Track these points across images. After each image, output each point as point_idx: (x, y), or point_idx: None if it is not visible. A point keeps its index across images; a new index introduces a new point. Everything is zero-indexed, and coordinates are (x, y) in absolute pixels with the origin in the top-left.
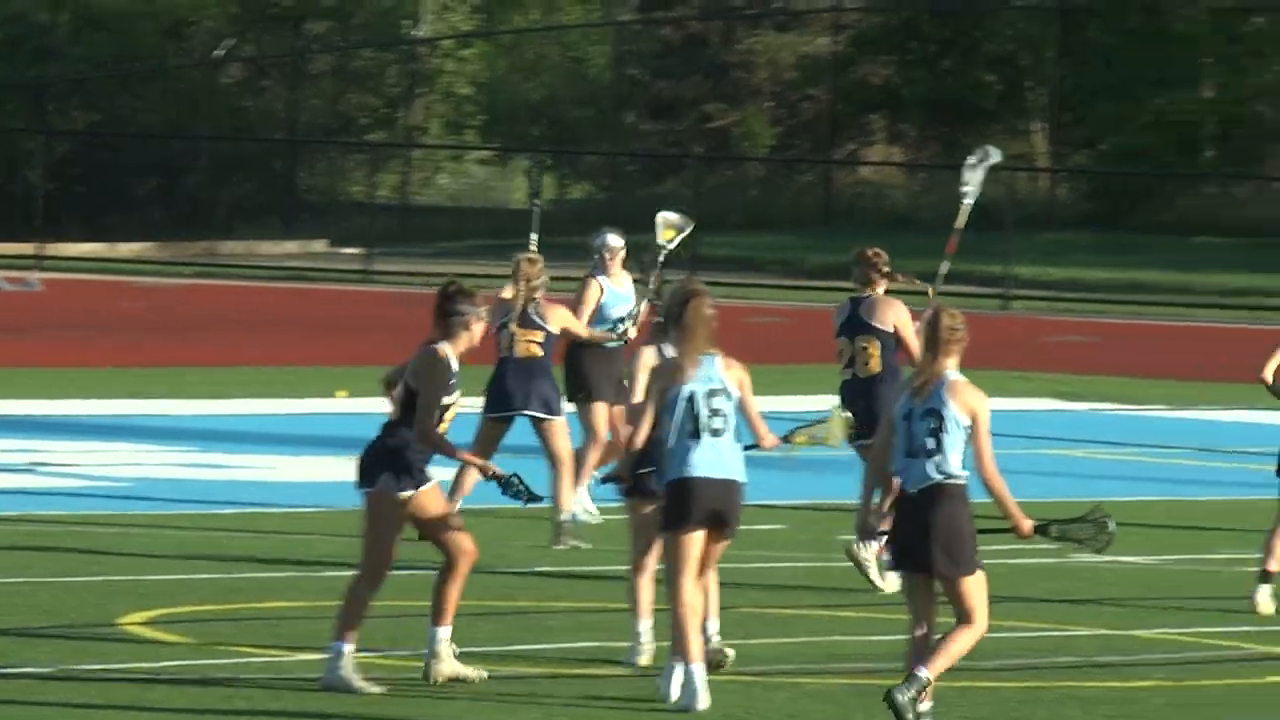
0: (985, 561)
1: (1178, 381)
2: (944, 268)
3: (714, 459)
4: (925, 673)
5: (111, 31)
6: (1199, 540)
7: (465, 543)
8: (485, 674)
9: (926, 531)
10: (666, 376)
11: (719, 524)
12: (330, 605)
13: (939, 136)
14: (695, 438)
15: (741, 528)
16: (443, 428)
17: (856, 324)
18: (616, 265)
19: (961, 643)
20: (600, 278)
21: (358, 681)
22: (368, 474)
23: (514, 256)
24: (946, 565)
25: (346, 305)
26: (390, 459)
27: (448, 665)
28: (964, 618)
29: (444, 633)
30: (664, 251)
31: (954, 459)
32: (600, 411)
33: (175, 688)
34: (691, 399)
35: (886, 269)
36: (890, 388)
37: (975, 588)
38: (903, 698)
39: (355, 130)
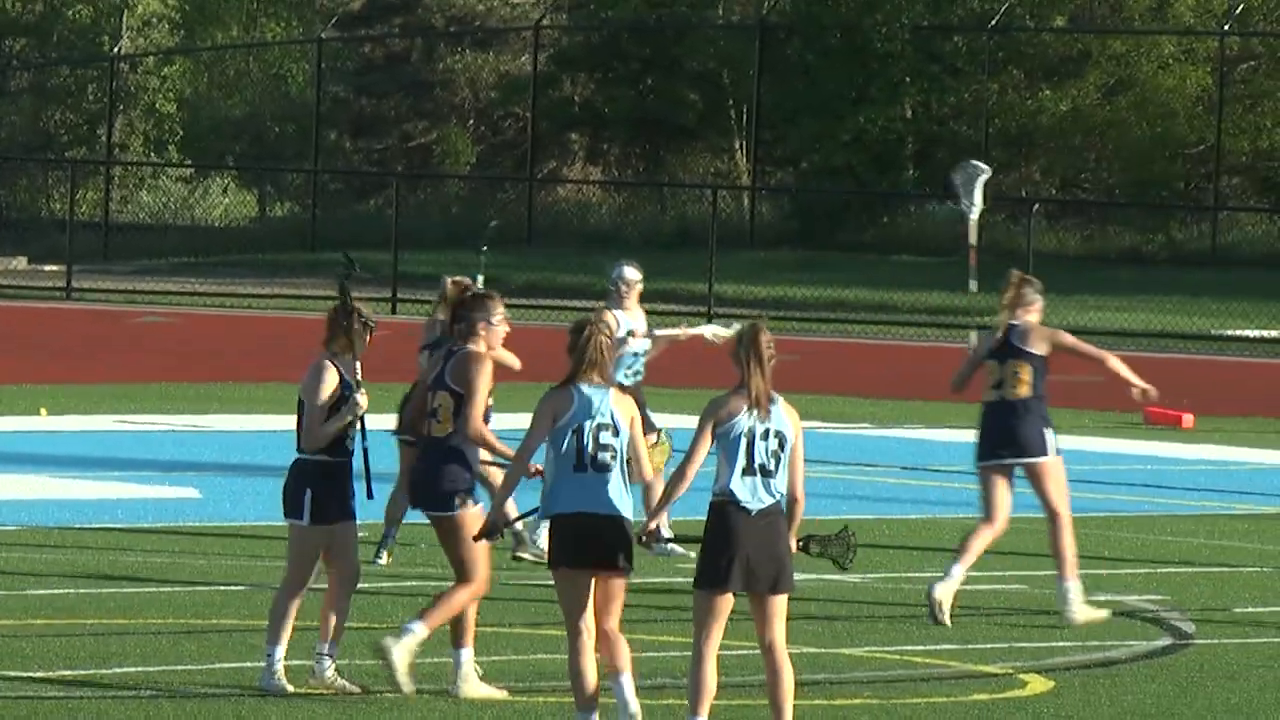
0: (679, 583)
1: (881, 400)
2: (973, 285)
3: (599, 494)
4: None
5: None
6: (905, 558)
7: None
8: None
9: (774, 551)
10: (558, 406)
11: (605, 562)
12: (38, 625)
13: (642, 154)
14: (581, 471)
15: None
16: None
17: (1010, 349)
18: (632, 299)
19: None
20: (615, 312)
21: (482, 689)
22: (449, 498)
23: (441, 279)
24: (784, 583)
25: (47, 323)
26: (461, 477)
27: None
28: (777, 637)
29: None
30: (699, 329)
31: (784, 478)
32: None
33: None
34: (579, 431)
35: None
36: (1038, 412)
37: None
38: None
39: (55, 147)
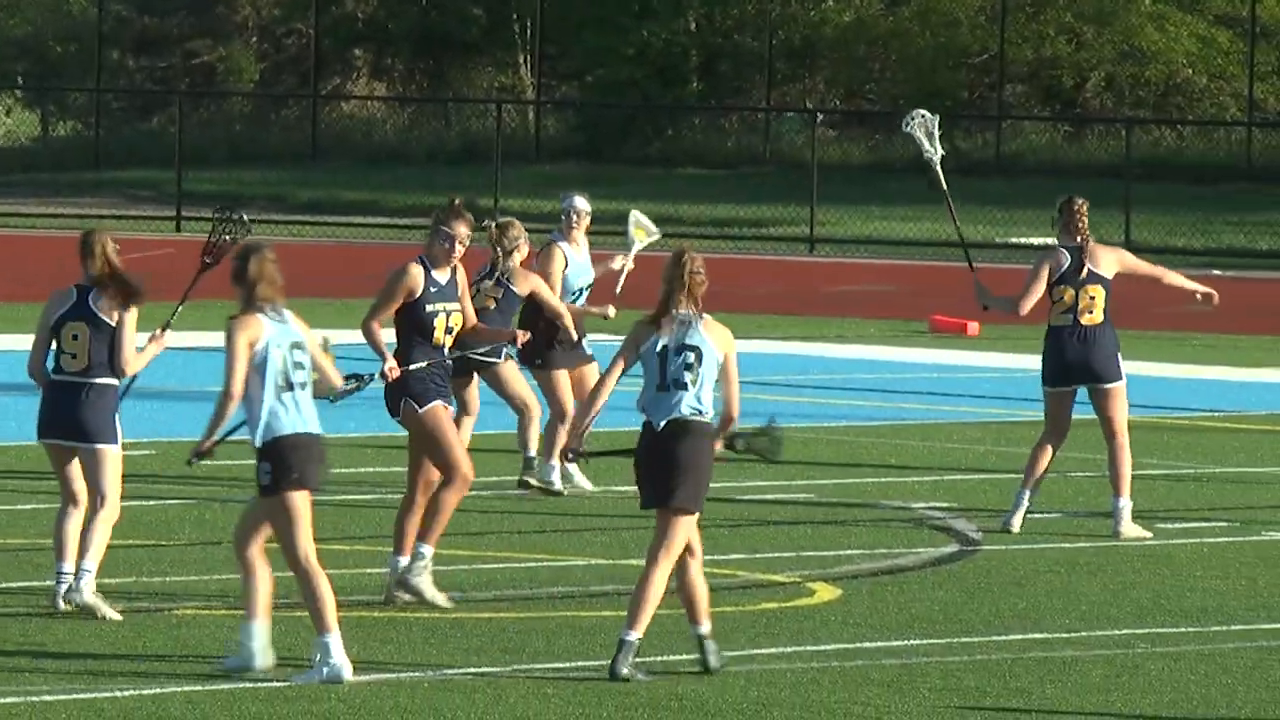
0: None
1: None
2: (957, 224)
3: (305, 414)
4: (635, 637)
5: None
6: None
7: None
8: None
9: (674, 466)
10: (253, 333)
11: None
12: None
13: (426, 70)
14: (289, 391)
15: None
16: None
17: (1086, 273)
18: (581, 231)
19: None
20: (562, 244)
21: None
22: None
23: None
24: (685, 499)
25: None
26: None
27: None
28: (661, 558)
29: (404, 561)
30: (632, 249)
31: (705, 396)
32: (561, 380)
33: None
34: (280, 352)
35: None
36: (1110, 336)
37: (692, 526)
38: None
39: None
